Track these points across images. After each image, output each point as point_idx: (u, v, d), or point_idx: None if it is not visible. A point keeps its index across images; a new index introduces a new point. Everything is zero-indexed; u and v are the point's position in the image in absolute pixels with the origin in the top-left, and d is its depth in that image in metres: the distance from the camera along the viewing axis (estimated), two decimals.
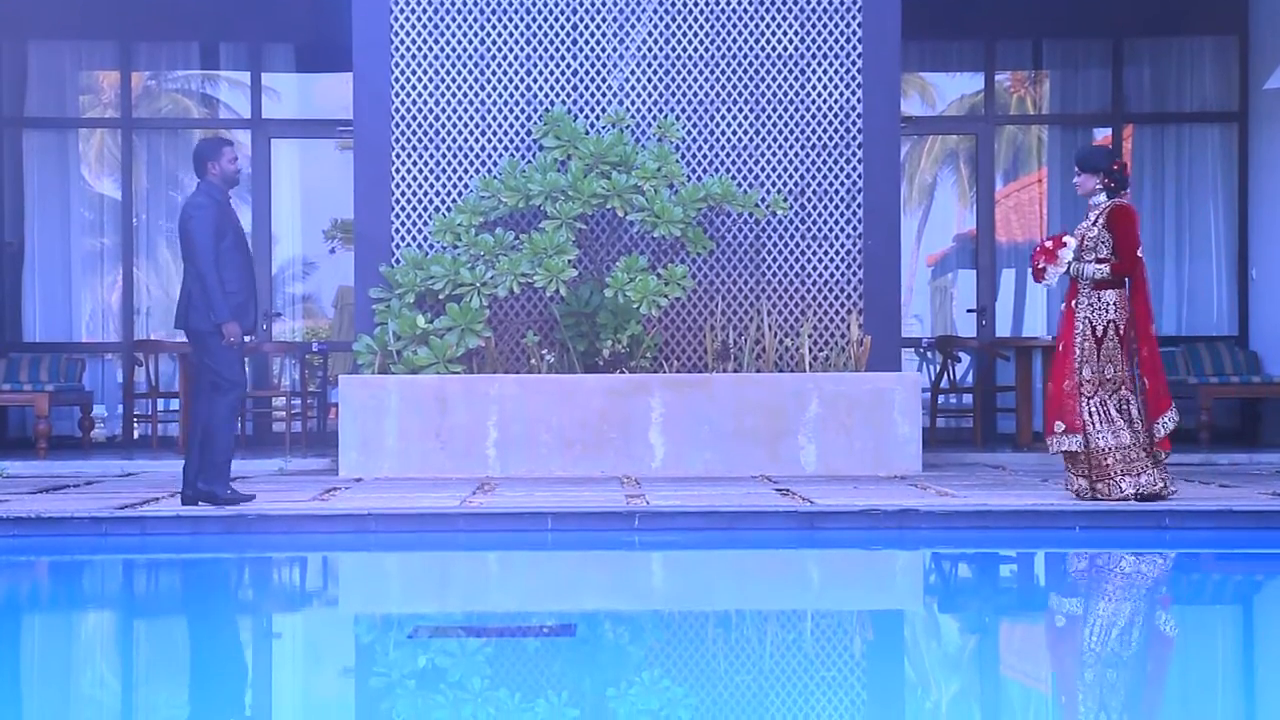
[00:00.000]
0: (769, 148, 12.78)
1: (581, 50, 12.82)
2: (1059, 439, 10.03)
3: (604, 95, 12.81)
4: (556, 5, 12.82)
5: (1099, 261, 9.93)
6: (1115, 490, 9.93)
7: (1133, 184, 15.40)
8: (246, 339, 10.07)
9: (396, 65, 12.80)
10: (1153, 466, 10.00)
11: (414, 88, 12.80)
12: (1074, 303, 10.05)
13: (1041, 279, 10.11)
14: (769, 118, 12.80)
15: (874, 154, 12.69)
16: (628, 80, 12.82)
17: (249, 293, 10.02)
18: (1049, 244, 10.04)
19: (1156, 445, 9.96)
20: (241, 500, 9.98)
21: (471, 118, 12.81)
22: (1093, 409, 9.95)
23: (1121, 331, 9.93)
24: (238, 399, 10.13)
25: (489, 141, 12.78)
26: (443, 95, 12.81)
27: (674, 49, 12.83)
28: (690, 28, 12.82)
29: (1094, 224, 10.02)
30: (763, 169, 12.79)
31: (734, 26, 12.81)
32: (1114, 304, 9.95)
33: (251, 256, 10.28)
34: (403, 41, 12.80)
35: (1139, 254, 9.96)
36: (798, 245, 12.74)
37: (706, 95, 12.81)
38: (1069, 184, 15.49)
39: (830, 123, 12.78)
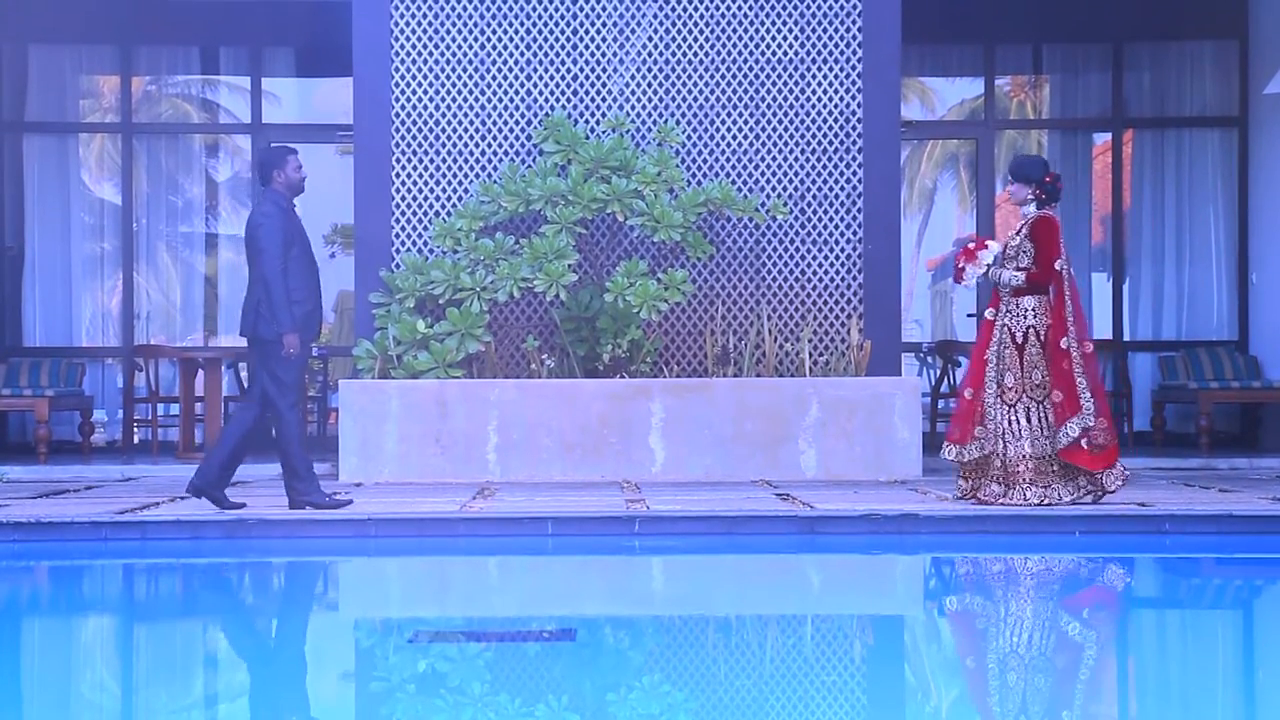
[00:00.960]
0: (769, 152, 12.78)
1: (581, 55, 12.83)
2: (958, 448, 10.06)
3: (604, 100, 12.81)
4: (556, 10, 12.82)
5: (1018, 270, 9.96)
6: (1018, 496, 9.93)
7: (1134, 188, 15.43)
8: (313, 350, 10.08)
9: (397, 70, 12.80)
10: (1060, 481, 9.99)
11: (414, 92, 12.81)
12: (993, 311, 10.10)
13: (960, 279, 10.18)
14: (769, 122, 12.81)
15: (874, 159, 12.69)
16: (628, 85, 12.82)
17: (315, 301, 10.03)
18: (972, 245, 10.10)
19: (1060, 454, 9.93)
20: (339, 505, 9.98)
21: (471, 122, 12.81)
22: (1011, 418, 9.94)
23: (1043, 337, 9.95)
24: (301, 404, 10.07)
25: (489, 146, 12.78)
26: (443, 100, 12.82)
27: (674, 54, 12.83)
28: (690, 32, 12.82)
29: (1019, 233, 10.08)
30: (763, 173, 12.79)
31: (734, 31, 12.81)
32: (1033, 310, 9.97)
33: (317, 266, 10.30)
34: (403, 46, 12.81)
35: (1057, 266, 9.97)
36: (798, 250, 12.74)
37: (706, 100, 12.82)
38: (1069, 189, 15.51)
39: (830, 127, 12.79)
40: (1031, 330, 9.96)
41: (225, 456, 10.00)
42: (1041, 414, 9.98)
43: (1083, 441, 9.92)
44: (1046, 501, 9.94)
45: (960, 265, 10.13)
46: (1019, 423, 9.97)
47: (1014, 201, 10.31)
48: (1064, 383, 9.91)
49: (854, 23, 12.79)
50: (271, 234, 9.83)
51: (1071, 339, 9.96)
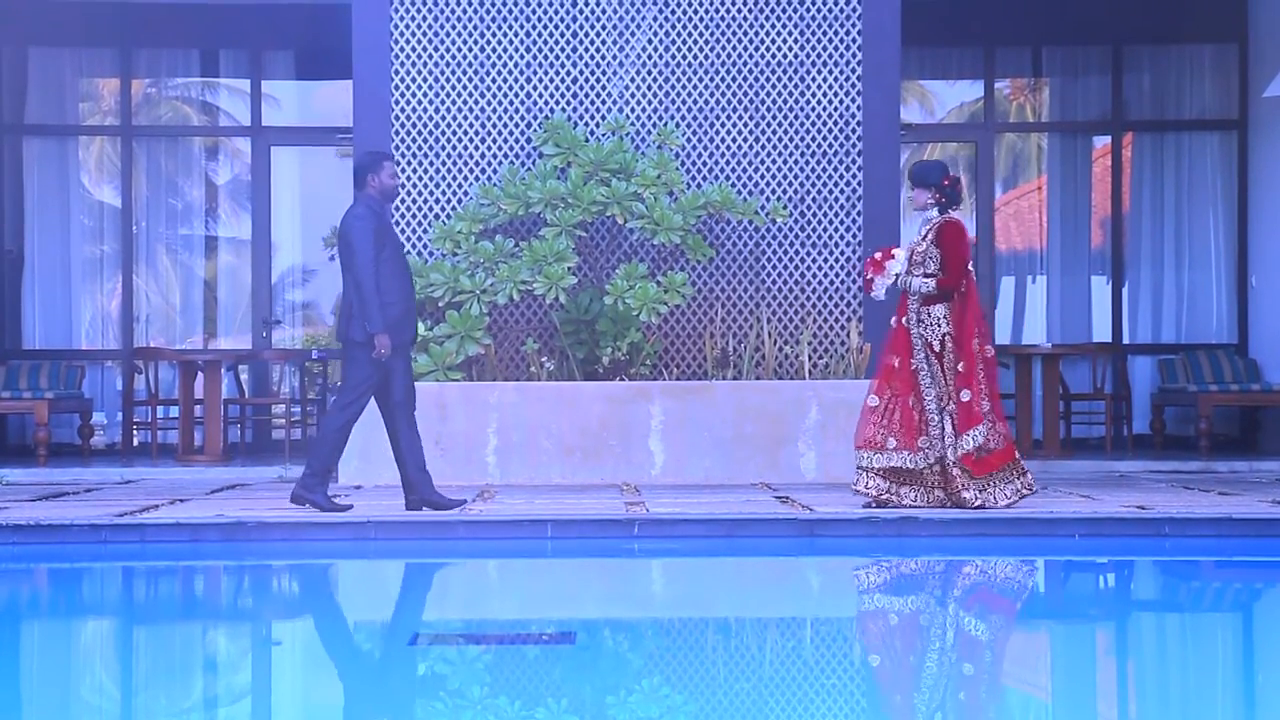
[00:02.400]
0: (769, 155, 12.78)
1: (581, 58, 12.83)
2: (889, 455, 10.01)
3: (604, 102, 12.81)
4: (556, 13, 12.83)
5: (927, 276, 9.96)
6: (990, 500, 9.93)
7: (1133, 191, 15.44)
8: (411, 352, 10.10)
9: (396, 73, 12.81)
10: (943, 484, 9.99)
11: (414, 95, 12.81)
12: (904, 320, 10.08)
13: (870, 291, 10.16)
14: (769, 125, 12.81)
15: (874, 161, 12.69)
16: (628, 87, 12.82)
17: (408, 305, 10.04)
18: (878, 255, 10.09)
19: (962, 460, 9.92)
20: (340, 510, 9.97)
21: (471, 125, 12.81)
22: (944, 425, 9.94)
23: (955, 343, 9.96)
24: (357, 413, 10.04)
25: (489, 149, 12.79)
26: (442, 103, 12.82)
27: (674, 56, 12.84)
28: (690, 35, 12.83)
29: (924, 239, 10.08)
30: (762, 176, 12.80)
31: (733, 34, 12.81)
32: (944, 317, 9.98)
33: (410, 269, 10.29)
34: (402, 49, 12.81)
35: (968, 269, 9.97)
36: (797, 253, 12.74)
37: (706, 102, 12.82)
38: (1069, 192, 15.54)
39: (830, 130, 12.79)
40: (947, 337, 9.97)
41: (417, 461, 10.07)
42: (952, 421, 9.96)
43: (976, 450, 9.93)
44: (981, 503, 9.92)
45: (868, 276, 10.11)
46: (946, 428, 9.95)
47: (914, 208, 10.34)
48: (971, 385, 9.90)
49: (853, 26, 12.80)
50: (364, 236, 9.88)
51: (979, 342, 9.97)
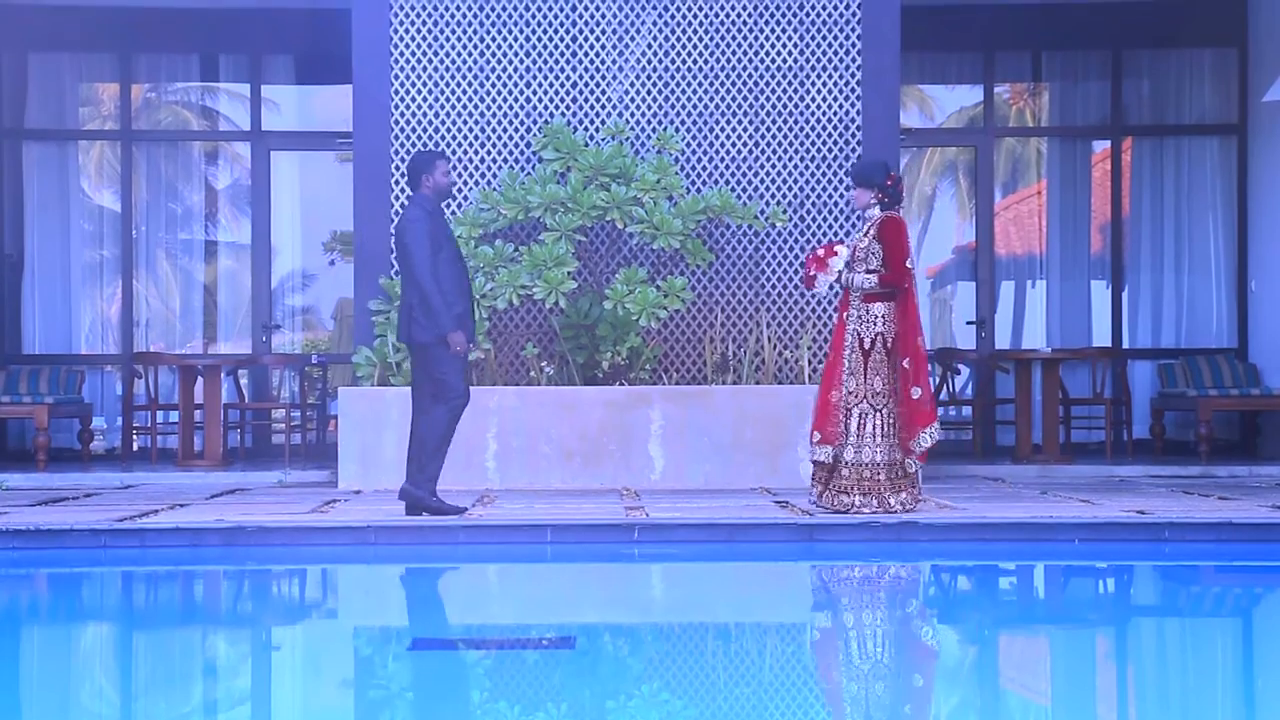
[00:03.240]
0: (768, 160, 12.79)
1: (581, 62, 12.84)
2: (813, 449, 10.07)
3: (603, 107, 12.82)
4: (556, 17, 12.83)
5: (869, 272, 9.97)
6: (884, 504, 9.91)
7: (1133, 195, 15.44)
8: (471, 349, 10.08)
9: (396, 77, 12.81)
10: (909, 485, 10.00)
11: (413, 99, 12.81)
12: (845, 315, 10.11)
13: (812, 286, 10.20)
14: (768, 130, 12.81)
15: None
16: (627, 92, 12.83)
17: (467, 303, 10.04)
18: (821, 252, 10.11)
19: (918, 459, 9.93)
20: (452, 511, 9.97)
21: (471, 130, 12.82)
22: (857, 423, 9.94)
23: (889, 345, 9.96)
24: (459, 408, 10.03)
25: (488, 154, 12.79)
26: (442, 107, 12.82)
27: (673, 61, 12.84)
28: (689, 40, 12.83)
29: (865, 235, 10.10)
30: (762, 181, 12.80)
31: (733, 38, 12.82)
32: (882, 317, 9.99)
33: (467, 266, 10.28)
34: (402, 54, 12.82)
35: (908, 265, 9.99)
36: (797, 257, 12.75)
37: (706, 107, 12.82)
38: (1068, 196, 15.54)
39: (830, 135, 12.79)
40: (880, 337, 9.98)
41: (439, 461, 10.05)
42: (881, 421, 9.95)
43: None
44: (880, 510, 9.91)
45: (811, 273, 10.14)
46: (859, 428, 9.96)
47: (856, 206, 10.35)
48: (921, 382, 9.93)
49: (853, 30, 12.80)
50: (419, 237, 9.86)
51: (921, 340, 10.01)
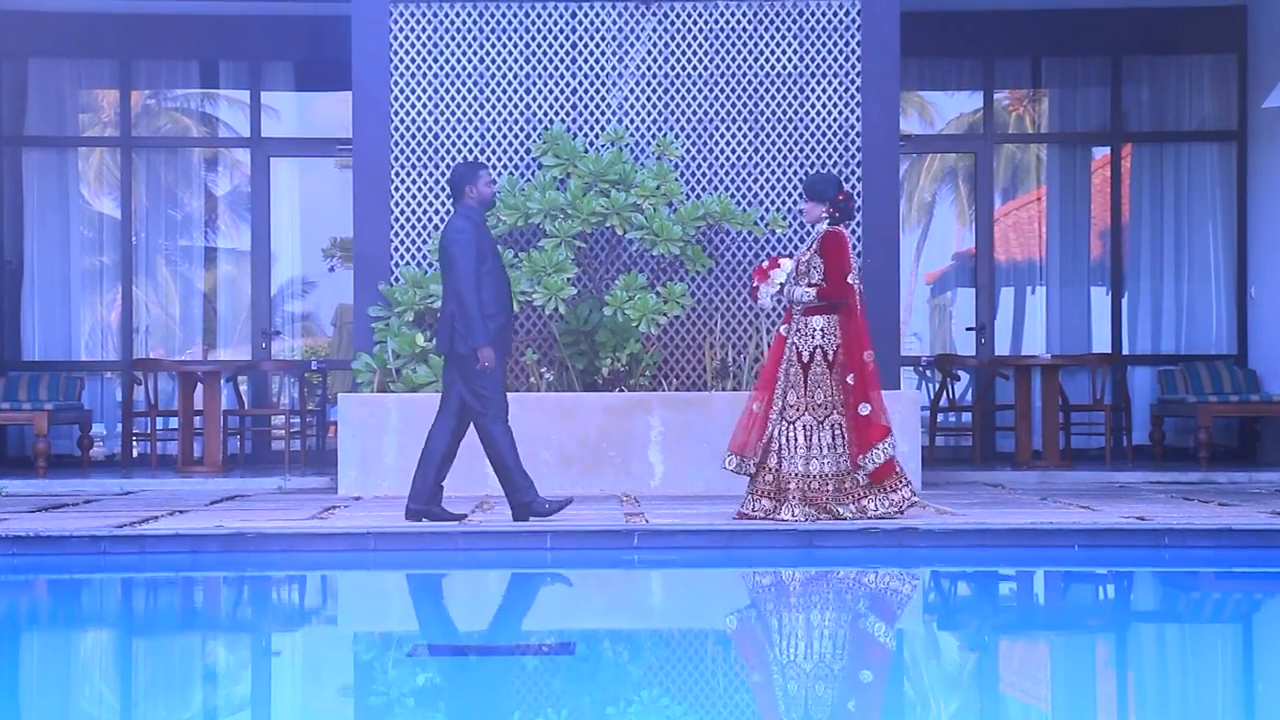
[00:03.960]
0: (768, 166, 12.79)
1: (581, 69, 12.84)
2: (733, 459, 10.08)
3: (603, 113, 12.82)
4: (556, 24, 12.84)
5: (810, 286, 9.97)
6: (832, 515, 9.88)
7: (1133, 201, 15.44)
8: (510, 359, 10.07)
9: (396, 84, 12.81)
10: (877, 492, 9.95)
11: (413, 106, 12.82)
12: (784, 329, 10.12)
13: (755, 298, 10.24)
14: (768, 136, 12.82)
15: (873, 172, 12.70)
16: (627, 98, 12.83)
17: (507, 317, 10.03)
18: (765, 265, 10.15)
19: (869, 478, 9.89)
20: (560, 507, 9.98)
21: (471, 136, 12.82)
22: (789, 435, 9.92)
23: (830, 358, 9.95)
24: (505, 419, 10.02)
25: (488, 160, 12.79)
26: (442, 113, 12.83)
27: (673, 67, 12.85)
28: (689, 46, 12.84)
29: (809, 250, 10.11)
30: (762, 187, 12.80)
31: (733, 45, 12.82)
32: (820, 330, 9.97)
33: (509, 278, 10.30)
34: (402, 60, 12.82)
35: (849, 280, 9.97)
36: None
37: (706, 113, 12.83)
38: (1068, 203, 15.54)
39: (829, 141, 12.80)
40: (818, 350, 9.96)
41: (433, 475, 10.05)
42: (828, 432, 9.93)
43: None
44: (818, 517, 9.89)
45: (755, 285, 10.18)
46: (796, 440, 9.94)
47: (807, 220, 10.36)
48: (874, 396, 9.91)
49: (853, 36, 12.81)
50: (466, 248, 9.85)
51: (869, 354, 9.99)
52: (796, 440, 9.94)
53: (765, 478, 9.99)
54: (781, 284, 10.07)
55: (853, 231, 12.72)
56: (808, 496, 9.90)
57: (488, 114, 12.83)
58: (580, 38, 12.84)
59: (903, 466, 10.21)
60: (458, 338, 9.86)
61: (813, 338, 9.98)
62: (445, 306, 10.00)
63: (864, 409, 9.87)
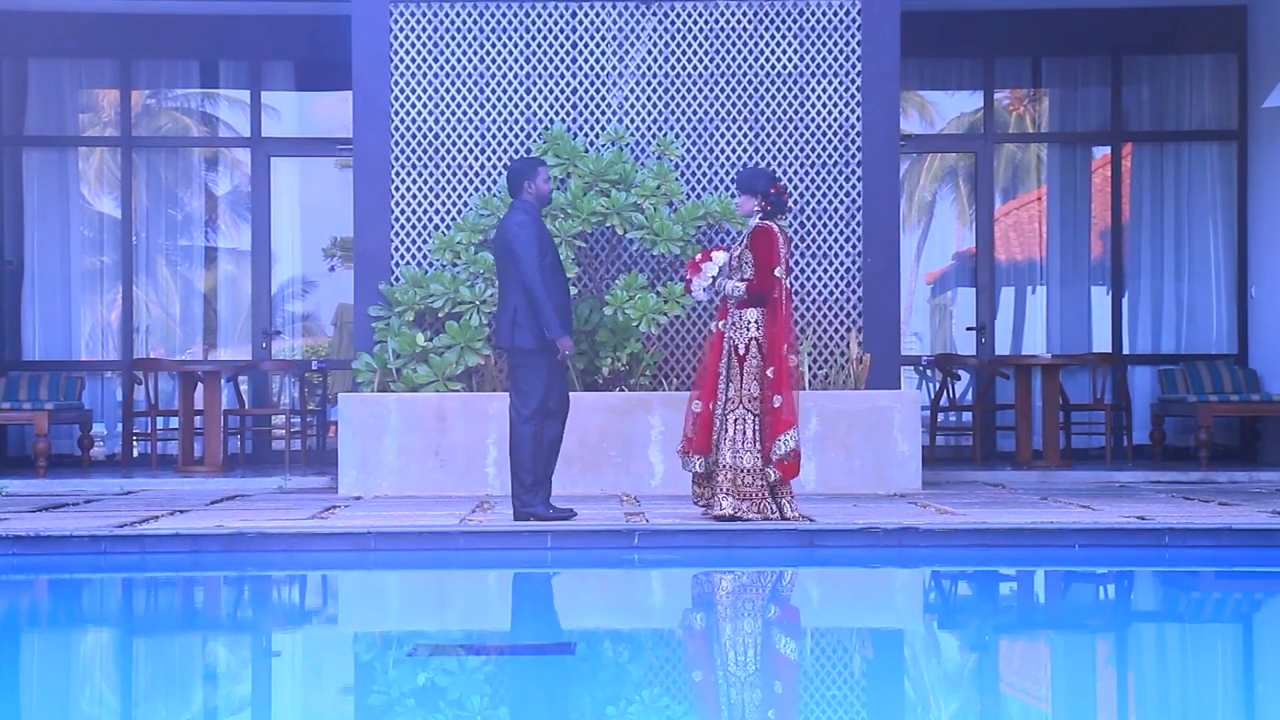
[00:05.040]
0: (768, 165, 12.78)
1: (581, 68, 12.84)
2: (686, 459, 10.10)
3: (603, 113, 12.82)
4: (556, 23, 12.84)
5: (741, 280, 9.99)
6: (770, 509, 9.90)
7: (1133, 201, 15.44)
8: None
9: (396, 83, 12.81)
10: (789, 493, 9.99)
11: (414, 105, 12.82)
12: (721, 324, 10.14)
13: (689, 291, 10.34)
14: (768, 135, 12.82)
15: (873, 172, 12.70)
16: (627, 98, 12.83)
17: (568, 311, 10.06)
18: (698, 258, 10.20)
19: (775, 466, 9.90)
20: (565, 516, 9.99)
21: (471, 135, 12.82)
22: (734, 427, 9.93)
23: (764, 349, 9.96)
24: (538, 424, 9.97)
25: (489, 159, 12.79)
26: (442, 113, 12.83)
27: (673, 67, 12.85)
28: (690, 46, 12.84)
29: (740, 244, 10.13)
30: None
31: (733, 44, 12.82)
32: (755, 322, 9.99)
33: (566, 276, 10.32)
34: (402, 60, 12.82)
35: (776, 274, 9.97)
36: (797, 263, 12.74)
37: (706, 113, 12.83)
38: (1068, 202, 15.54)
39: (830, 140, 12.80)
40: (754, 342, 9.99)
41: (537, 471, 10.03)
42: (755, 426, 9.95)
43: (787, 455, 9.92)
44: (740, 515, 9.89)
45: (687, 278, 10.25)
46: (729, 432, 9.96)
47: (740, 214, 10.41)
48: (785, 390, 9.93)
49: (853, 36, 12.81)
50: (528, 242, 9.87)
51: (791, 349, 10.01)
52: (729, 432, 9.96)
53: (724, 475, 9.99)
54: (714, 277, 10.11)
55: (853, 232, 12.73)
56: (739, 489, 9.92)
57: (488, 114, 12.83)
58: (580, 38, 12.84)
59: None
60: (520, 331, 9.86)
61: (748, 330, 10.01)
62: (506, 300, 9.99)
63: (776, 400, 9.92)
